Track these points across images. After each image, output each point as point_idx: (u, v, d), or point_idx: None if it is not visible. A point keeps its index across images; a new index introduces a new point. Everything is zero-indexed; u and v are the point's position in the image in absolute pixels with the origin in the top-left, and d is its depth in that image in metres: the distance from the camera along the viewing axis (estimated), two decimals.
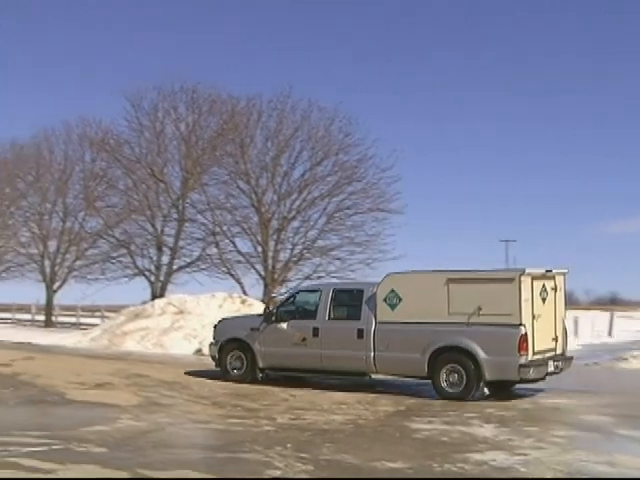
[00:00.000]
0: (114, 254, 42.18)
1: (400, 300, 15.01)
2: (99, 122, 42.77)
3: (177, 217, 39.46)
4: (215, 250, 38.98)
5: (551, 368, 14.48)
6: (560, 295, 15.13)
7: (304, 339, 16.03)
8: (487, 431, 11.14)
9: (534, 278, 14.31)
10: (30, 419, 11.91)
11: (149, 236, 40.27)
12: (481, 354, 13.97)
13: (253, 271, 37.40)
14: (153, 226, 39.91)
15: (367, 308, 15.42)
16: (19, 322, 45.99)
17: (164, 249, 39.74)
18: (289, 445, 9.78)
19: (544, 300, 14.56)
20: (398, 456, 9.37)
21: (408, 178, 49.82)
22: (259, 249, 37.09)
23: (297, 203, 37.11)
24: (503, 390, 14.73)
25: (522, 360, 13.75)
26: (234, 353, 16.78)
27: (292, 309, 16.75)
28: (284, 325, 16.35)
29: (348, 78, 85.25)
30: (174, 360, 20.87)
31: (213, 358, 17.29)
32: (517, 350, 13.70)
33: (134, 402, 13.49)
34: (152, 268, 40.14)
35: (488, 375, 14.02)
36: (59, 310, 46.08)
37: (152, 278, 39.81)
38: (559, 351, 15.08)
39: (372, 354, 15.19)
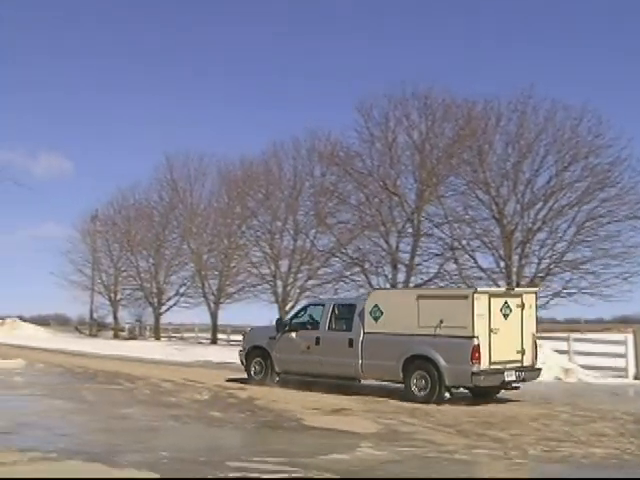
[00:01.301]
0: (347, 273, 42.73)
1: (382, 313, 18.25)
2: (328, 135, 43.55)
3: (412, 232, 39.53)
4: (454, 266, 38.68)
5: (511, 377, 17.05)
6: (530, 312, 17.67)
7: (309, 347, 19.52)
8: None
9: (492, 295, 17.14)
10: (268, 444, 12.37)
11: (383, 253, 40.56)
12: (442, 362, 16.87)
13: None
14: (387, 242, 40.19)
15: (357, 320, 18.73)
16: None
17: (399, 266, 39.96)
18: None
19: (506, 316, 17.14)
20: None
21: None
22: (502, 264, 36.56)
23: (543, 213, 36.21)
24: (486, 396, 17.47)
25: (474, 368, 16.46)
26: (257, 359, 20.64)
27: (302, 321, 20.33)
28: (294, 335, 20.00)
29: (596, 73, 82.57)
30: None
31: (242, 363, 21.23)
32: (470, 359, 16.43)
33: (373, 429, 13.70)
34: (388, 287, 40.45)
35: (447, 381, 16.88)
36: None
37: None
38: (527, 363, 17.54)
39: (360, 361, 18.48)
